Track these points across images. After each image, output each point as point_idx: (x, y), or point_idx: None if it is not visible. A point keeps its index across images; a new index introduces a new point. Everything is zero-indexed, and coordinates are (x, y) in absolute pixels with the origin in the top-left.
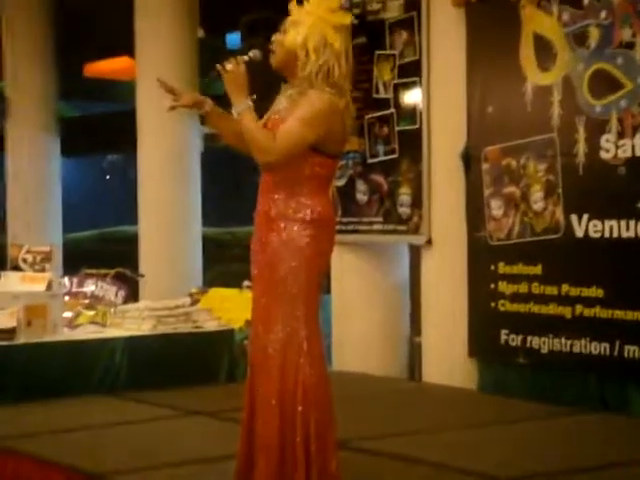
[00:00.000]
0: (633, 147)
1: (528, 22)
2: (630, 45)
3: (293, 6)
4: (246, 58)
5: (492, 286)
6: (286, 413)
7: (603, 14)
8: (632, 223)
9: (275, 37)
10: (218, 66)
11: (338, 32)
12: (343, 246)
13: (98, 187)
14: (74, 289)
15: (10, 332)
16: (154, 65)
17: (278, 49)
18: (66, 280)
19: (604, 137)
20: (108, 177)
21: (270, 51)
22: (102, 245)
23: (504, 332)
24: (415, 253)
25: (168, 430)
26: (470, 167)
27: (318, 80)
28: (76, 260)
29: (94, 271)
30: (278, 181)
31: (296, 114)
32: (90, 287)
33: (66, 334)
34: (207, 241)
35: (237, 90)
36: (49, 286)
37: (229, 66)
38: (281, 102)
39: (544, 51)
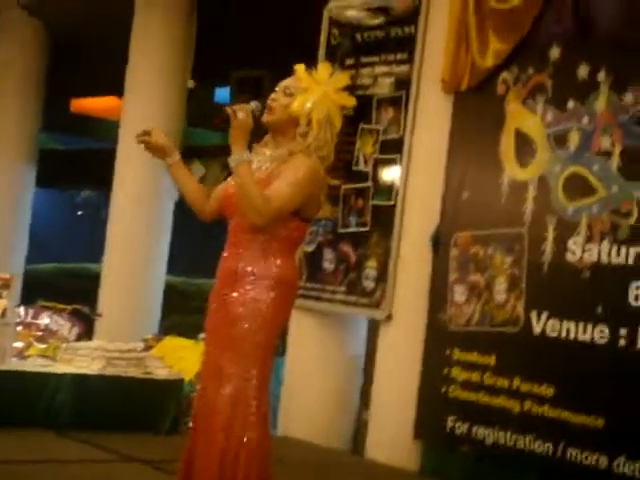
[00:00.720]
0: (599, 253)
1: (512, 117)
2: (608, 154)
3: (302, 72)
4: (250, 108)
5: (445, 371)
6: (226, 472)
7: (586, 120)
8: (589, 327)
9: (277, 97)
10: (229, 110)
11: (340, 112)
12: (304, 312)
13: (68, 221)
14: (28, 319)
15: None
16: (141, 108)
17: (279, 109)
18: (21, 310)
19: (572, 239)
20: (80, 213)
21: (267, 107)
22: (64, 280)
23: (451, 418)
24: (374, 327)
25: (101, 474)
26: (439, 250)
27: (311, 149)
28: (35, 291)
29: (51, 304)
30: (250, 239)
31: (286, 177)
32: (45, 320)
33: (14, 363)
34: (170, 289)
35: (241, 140)
36: (3, 314)
37: (240, 114)
38: (264, 160)
39: (524, 147)
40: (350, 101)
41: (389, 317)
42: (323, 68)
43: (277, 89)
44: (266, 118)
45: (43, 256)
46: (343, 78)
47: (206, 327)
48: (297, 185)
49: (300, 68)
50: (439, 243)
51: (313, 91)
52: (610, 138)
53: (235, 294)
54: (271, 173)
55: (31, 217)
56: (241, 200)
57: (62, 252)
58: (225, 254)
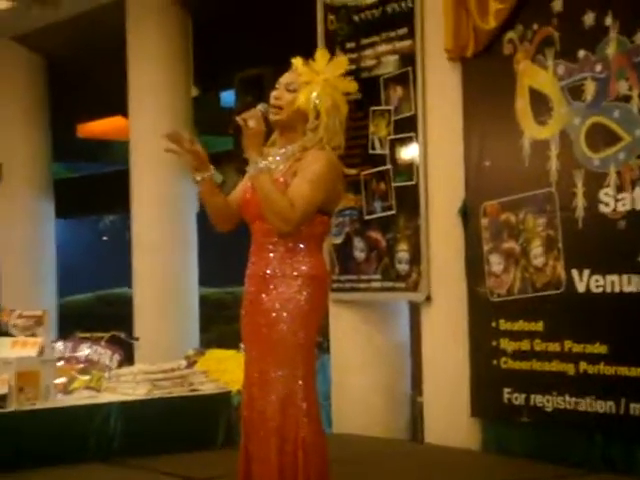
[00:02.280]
0: (632, 200)
1: (523, 76)
2: (626, 98)
3: (300, 66)
4: (259, 112)
5: (494, 343)
6: (286, 476)
7: (598, 67)
8: (634, 278)
9: (281, 95)
10: (239, 120)
11: (344, 97)
12: (342, 305)
13: (95, 248)
14: (68, 354)
15: (1, 399)
16: (147, 124)
17: (286, 107)
18: (60, 344)
19: (603, 191)
20: (105, 238)
21: (273, 107)
22: (99, 307)
23: (507, 390)
24: (415, 310)
25: None
26: (469, 222)
27: (324, 141)
28: (73, 323)
29: (88, 335)
30: (274, 241)
31: (305, 176)
32: (84, 351)
33: (59, 400)
34: (205, 301)
35: (255, 148)
36: (41, 351)
37: (252, 122)
38: (276, 161)
39: (540, 105)
40: (352, 86)
41: (428, 298)
42: (320, 56)
43: (278, 86)
44: (274, 118)
45: (76, 286)
46: (341, 62)
47: (243, 335)
48: (318, 182)
49: (298, 62)
50: (468, 215)
51: (315, 82)
52: (627, 82)
53: (268, 298)
54: (286, 172)
55: (58, 249)
56: (266, 210)
57: (93, 280)
58: (252, 260)
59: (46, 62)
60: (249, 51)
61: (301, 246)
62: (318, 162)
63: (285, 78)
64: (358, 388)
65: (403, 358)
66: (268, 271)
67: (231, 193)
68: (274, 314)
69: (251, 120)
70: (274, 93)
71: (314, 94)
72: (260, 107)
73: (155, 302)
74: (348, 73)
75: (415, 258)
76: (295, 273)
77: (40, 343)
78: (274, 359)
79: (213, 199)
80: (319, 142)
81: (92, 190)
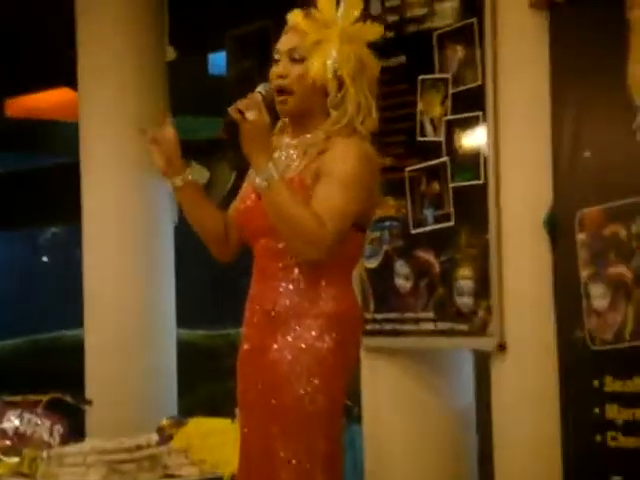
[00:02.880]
0: None
1: (639, 28)
2: None
3: (302, 21)
4: (259, 97)
5: (596, 411)
6: None
7: None
8: None
9: (284, 69)
10: (233, 112)
11: (370, 51)
12: (379, 355)
13: (31, 274)
14: None
15: None
16: (104, 99)
17: (297, 87)
18: None
19: None
20: (45, 259)
21: (277, 88)
22: (33, 359)
23: (616, 479)
24: (483, 363)
25: None
26: (559, 238)
27: (354, 123)
28: None
29: (18, 398)
30: (287, 265)
31: (334, 180)
32: (13, 422)
33: None
34: (188, 348)
35: (261, 149)
36: None
37: (251, 113)
38: (289, 155)
39: None
40: (377, 31)
41: (502, 346)
42: (324, 2)
43: (278, 57)
44: (282, 107)
45: (2, 328)
46: (355, 3)
47: (239, 398)
48: (352, 187)
49: (296, 16)
50: (557, 228)
51: (327, 39)
52: None
53: (278, 343)
54: (304, 171)
55: None
56: (286, 232)
57: (27, 318)
58: (253, 292)
59: None
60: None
61: (326, 273)
62: (349, 157)
63: (285, 43)
64: (403, 468)
65: (466, 427)
66: (277, 308)
67: (231, 205)
68: (284, 369)
69: (250, 111)
70: (275, 69)
71: (330, 57)
72: (260, 89)
73: (115, 350)
74: (389, 27)
75: (482, 288)
76: (315, 311)
77: None
78: (283, 434)
79: (197, 210)
80: (348, 124)
81: (27, 192)
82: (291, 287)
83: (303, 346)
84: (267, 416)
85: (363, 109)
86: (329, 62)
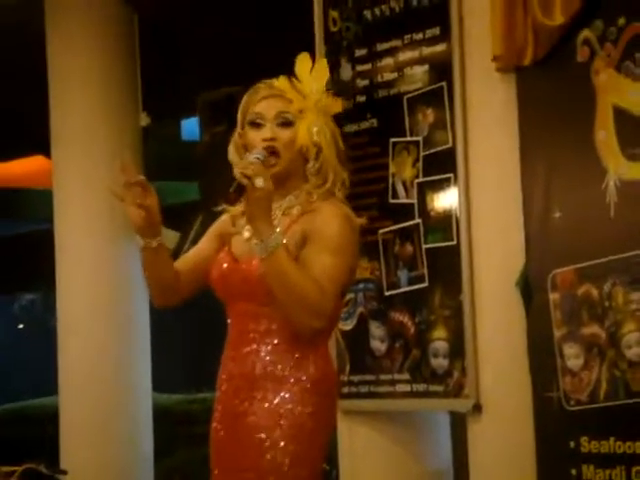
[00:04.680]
0: None
1: (605, 92)
2: None
3: (289, 87)
4: (255, 162)
5: (573, 472)
6: None
7: None
8: None
9: (275, 134)
10: (242, 178)
11: (333, 120)
12: (355, 417)
13: (7, 340)
14: None
15: None
16: (78, 166)
17: (285, 152)
18: None
19: None
20: (21, 326)
21: (270, 154)
22: (9, 427)
23: None
24: (459, 424)
25: None
26: (532, 299)
27: (334, 186)
28: None
29: None
30: (267, 329)
31: (324, 246)
32: None
33: None
34: (164, 414)
35: (265, 216)
36: None
37: (260, 181)
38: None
39: (630, 131)
40: (339, 105)
41: (477, 407)
42: (302, 67)
43: (262, 122)
44: (272, 170)
45: None
46: (322, 69)
47: (213, 463)
48: (342, 252)
49: (284, 84)
50: (530, 288)
51: (308, 109)
52: None
53: (254, 409)
54: (288, 234)
55: None
56: (289, 302)
57: (2, 386)
58: (229, 354)
59: None
60: (217, 64)
61: (304, 339)
62: (334, 222)
63: (271, 108)
64: None
65: None
66: (256, 371)
67: (183, 256)
68: (262, 435)
69: (258, 178)
70: (262, 133)
71: (314, 128)
72: (257, 155)
73: (90, 417)
74: (360, 91)
75: (457, 349)
76: (295, 376)
77: None
78: None
79: (159, 267)
80: (321, 189)
81: (1, 258)
82: (271, 351)
83: (282, 411)
84: None
85: (339, 176)
86: (312, 131)
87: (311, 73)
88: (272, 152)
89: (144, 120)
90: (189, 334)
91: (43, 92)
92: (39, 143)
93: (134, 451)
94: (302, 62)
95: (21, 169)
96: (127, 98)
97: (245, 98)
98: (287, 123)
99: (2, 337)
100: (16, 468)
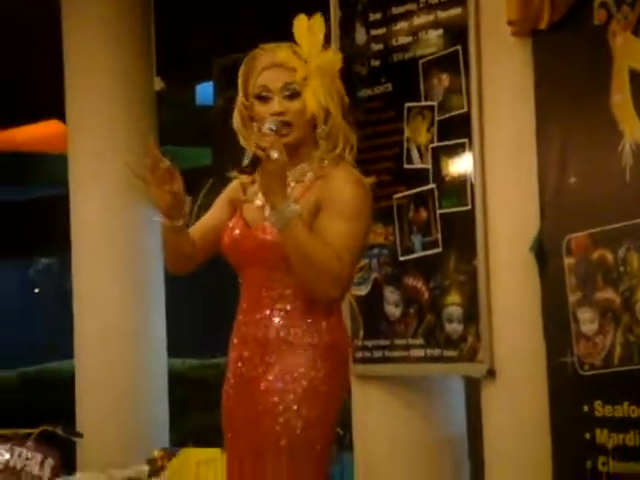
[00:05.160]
0: None
1: (622, 55)
2: None
3: (291, 56)
4: (269, 132)
5: (587, 436)
6: None
7: None
8: None
9: (283, 106)
10: (257, 150)
11: (337, 77)
12: (369, 382)
13: (22, 304)
14: None
15: None
16: (93, 130)
17: (296, 122)
18: None
19: None
20: (37, 290)
21: (280, 123)
22: (23, 391)
23: None
24: (473, 389)
25: None
26: (546, 264)
27: (346, 152)
28: None
29: (9, 432)
30: (280, 295)
31: (339, 212)
32: (3, 456)
33: None
34: (178, 378)
35: (281, 188)
36: None
37: (275, 153)
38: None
39: None
40: (338, 60)
41: (492, 372)
42: (300, 31)
43: (269, 94)
44: (286, 140)
45: None
46: (317, 26)
47: (225, 428)
48: (357, 219)
49: (286, 53)
50: (545, 253)
51: (311, 75)
52: None
53: (268, 374)
54: (302, 202)
55: None
56: (306, 271)
57: (18, 350)
58: (242, 319)
59: None
60: (232, 27)
61: (317, 304)
62: (347, 188)
63: (276, 80)
64: None
65: (457, 457)
66: (269, 336)
67: (196, 224)
68: (275, 399)
69: (274, 150)
70: (270, 107)
71: (320, 93)
72: (270, 125)
73: (106, 381)
74: (375, 56)
75: (471, 314)
76: (308, 341)
77: None
78: (274, 462)
79: (179, 242)
80: (331, 154)
81: (17, 223)
82: (284, 316)
83: (295, 375)
84: (257, 444)
85: (349, 139)
86: (320, 96)
87: (308, 32)
88: (284, 124)
89: (158, 85)
90: (204, 298)
91: (58, 56)
92: (54, 107)
93: (149, 415)
94: (299, 24)
95: (36, 133)
96: (141, 62)
97: (243, 66)
98: (294, 94)
99: (19, 301)
100: (32, 430)
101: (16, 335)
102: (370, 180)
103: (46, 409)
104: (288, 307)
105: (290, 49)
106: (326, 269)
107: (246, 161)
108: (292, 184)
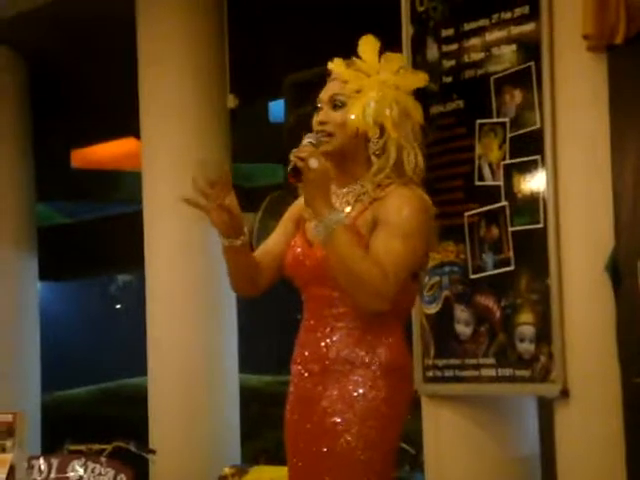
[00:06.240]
0: None
1: None
2: None
3: (343, 69)
4: (314, 149)
5: None
6: None
7: None
8: None
9: (326, 115)
10: (295, 159)
11: (414, 99)
12: (440, 402)
13: (106, 322)
14: (54, 475)
15: None
16: (167, 148)
17: (336, 131)
18: (41, 462)
19: None
20: (118, 306)
21: (320, 134)
22: (103, 407)
23: None
24: (546, 409)
25: None
26: (621, 283)
27: (409, 170)
28: (64, 430)
29: (82, 447)
30: (341, 313)
31: (393, 230)
32: (77, 471)
33: None
34: (253, 395)
35: (324, 197)
36: (11, 472)
37: (314, 162)
38: (342, 206)
39: None
40: (420, 79)
41: (565, 392)
42: (366, 47)
43: (320, 105)
44: (323, 149)
45: (72, 376)
46: (395, 56)
47: (288, 448)
48: (410, 237)
49: (338, 66)
50: (619, 273)
51: (368, 86)
52: None
53: (329, 393)
54: (360, 219)
55: (45, 322)
56: (350, 283)
57: (98, 366)
58: (304, 338)
59: (27, 64)
60: (304, 46)
61: (380, 322)
62: (406, 207)
63: (326, 91)
64: None
65: (530, 478)
66: (330, 355)
67: (260, 246)
68: (336, 419)
69: (312, 159)
70: (316, 117)
71: (370, 103)
72: (310, 140)
73: (178, 397)
74: (447, 72)
75: (543, 334)
76: (369, 360)
77: (10, 461)
78: None
79: (242, 262)
80: (400, 173)
81: (95, 241)
82: (346, 335)
83: (355, 395)
84: (318, 464)
85: (410, 156)
86: (368, 109)
87: (382, 55)
88: (327, 134)
89: (232, 102)
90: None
91: (134, 75)
92: (130, 125)
93: (221, 432)
94: (366, 42)
95: (112, 151)
96: (215, 80)
97: None
98: (339, 105)
99: (101, 317)
100: (106, 446)
101: (99, 351)
102: (436, 208)
103: (123, 425)
104: (349, 326)
105: (346, 62)
106: (366, 280)
107: (289, 172)
108: (352, 202)
